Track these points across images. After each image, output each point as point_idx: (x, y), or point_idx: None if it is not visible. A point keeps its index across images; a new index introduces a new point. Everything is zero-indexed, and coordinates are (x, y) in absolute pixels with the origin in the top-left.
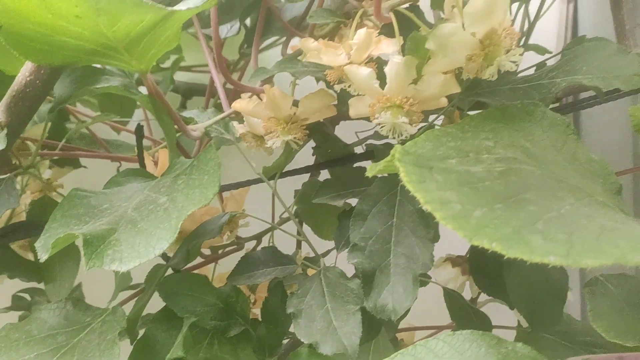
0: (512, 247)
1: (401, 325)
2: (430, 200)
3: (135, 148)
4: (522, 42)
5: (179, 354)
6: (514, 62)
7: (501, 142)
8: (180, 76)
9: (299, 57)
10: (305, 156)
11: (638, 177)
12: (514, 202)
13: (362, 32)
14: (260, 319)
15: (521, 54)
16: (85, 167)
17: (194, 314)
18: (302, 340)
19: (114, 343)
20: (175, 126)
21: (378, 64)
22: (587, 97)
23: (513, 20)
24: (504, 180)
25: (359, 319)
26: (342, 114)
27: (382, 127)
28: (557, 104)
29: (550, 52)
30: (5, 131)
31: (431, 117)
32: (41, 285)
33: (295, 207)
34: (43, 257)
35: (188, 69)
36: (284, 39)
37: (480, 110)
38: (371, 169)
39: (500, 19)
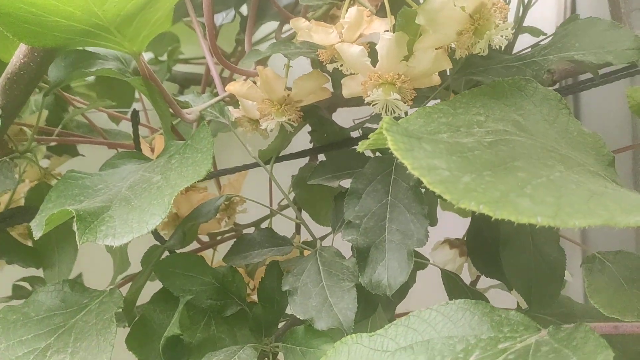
0: (499, 209)
1: (400, 310)
2: (418, 167)
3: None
4: (517, 25)
5: (175, 332)
6: (504, 36)
7: (492, 117)
8: (179, 69)
9: (292, 40)
10: (305, 142)
11: (637, 156)
12: (503, 169)
13: (353, 10)
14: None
15: (511, 28)
16: (83, 155)
17: (189, 293)
18: (297, 316)
19: (110, 322)
20: (171, 110)
21: (370, 42)
22: (585, 80)
23: (509, 3)
24: (494, 150)
25: (354, 295)
26: (339, 101)
27: (374, 104)
28: (557, 86)
29: (545, 34)
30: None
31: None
32: (41, 274)
33: (293, 193)
34: (37, 234)
35: (186, 61)
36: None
37: None
38: (362, 144)
39: None
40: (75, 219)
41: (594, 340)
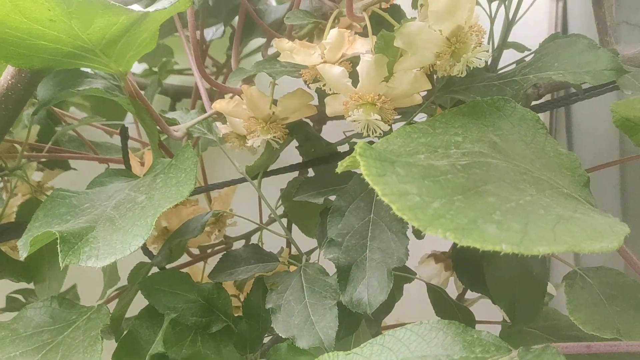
0: (465, 236)
1: (390, 321)
2: (388, 193)
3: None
4: (502, 41)
5: (160, 350)
6: (481, 58)
7: (470, 137)
8: (173, 79)
9: (278, 58)
10: (295, 156)
11: (625, 170)
12: (474, 193)
13: (334, 31)
14: None
15: (487, 51)
16: (75, 169)
17: (175, 310)
18: (279, 334)
19: (97, 339)
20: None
21: (353, 63)
22: (572, 94)
23: (493, 19)
24: (467, 173)
25: (335, 313)
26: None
27: (356, 124)
28: (547, 100)
29: (530, 50)
30: None
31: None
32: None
33: (281, 206)
34: (23, 254)
35: (180, 72)
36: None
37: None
38: (340, 165)
39: (466, 16)
40: (58, 241)
41: None
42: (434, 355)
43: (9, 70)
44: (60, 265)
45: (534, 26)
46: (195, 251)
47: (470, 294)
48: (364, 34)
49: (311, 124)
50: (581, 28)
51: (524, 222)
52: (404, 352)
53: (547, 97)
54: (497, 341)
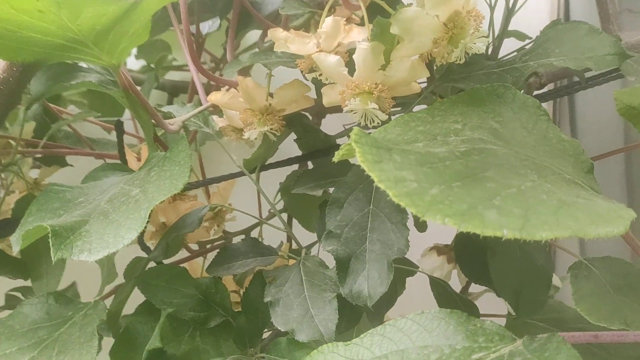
0: (465, 222)
1: (395, 315)
2: (384, 179)
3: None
4: (502, 29)
5: (157, 345)
6: (479, 44)
7: (469, 125)
8: (173, 75)
9: (274, 49)
10: (295, 149)
11: (630, 158)
12: (473, 180)
13: (330, 20)
14: None
15: (486, 36)
16: (72, 165)
17: (171, 305)
18: (278, 327)
19: (93, 335)
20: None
21: (349, 52)
22: (574, 82)
23: (493, 8)
24: (465, 160)
25: (335, 306)
26: (327, 107)
27: (354, 113)
28: (550, 89)
29: (531, 38)
30: None
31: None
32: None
33: (281, 199)
34: (15, 249)
35: (179, 68)
36: None
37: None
38: (336, 155)
39: (463, 1)
40: (50, 235)
41: (566, 351)
42: (436, 345)
43: (0, 64)
44: (52, 259)
45: (535, 15)
46: (194, 247)
47: (474, 288)
48: (361, 24)
49: (310, 117)
50: (583, 16)
51: (525, 207)
52: (405, 342)
53: (550, 86)
54: (501, 330)
